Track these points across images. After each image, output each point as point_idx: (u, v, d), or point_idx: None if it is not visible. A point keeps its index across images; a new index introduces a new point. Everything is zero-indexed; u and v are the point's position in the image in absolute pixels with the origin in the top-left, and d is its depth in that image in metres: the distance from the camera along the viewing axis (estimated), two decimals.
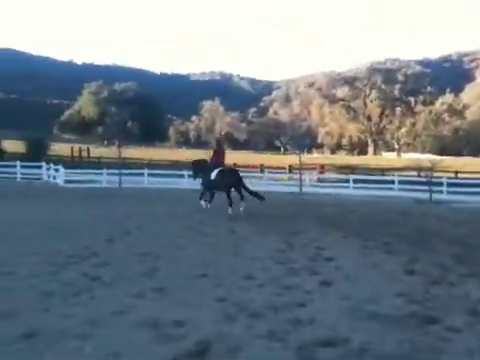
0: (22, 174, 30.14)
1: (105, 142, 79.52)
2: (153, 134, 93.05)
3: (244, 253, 8.21)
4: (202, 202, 14.60)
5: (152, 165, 42.55)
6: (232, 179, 14.08)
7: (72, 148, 51.83)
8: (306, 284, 6.18)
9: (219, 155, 14.74)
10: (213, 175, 14.00)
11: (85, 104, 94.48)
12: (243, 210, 13.49)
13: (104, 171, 28.15)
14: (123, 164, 28.60)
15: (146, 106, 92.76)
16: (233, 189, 14.06)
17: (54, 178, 28.34)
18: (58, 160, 35.33)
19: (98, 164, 39.60)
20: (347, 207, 17.35)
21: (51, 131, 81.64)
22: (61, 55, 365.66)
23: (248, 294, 5.67)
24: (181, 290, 5.83)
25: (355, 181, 26.09)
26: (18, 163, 30.59)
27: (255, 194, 14.21)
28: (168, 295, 5.61)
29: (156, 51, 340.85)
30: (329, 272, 6.92)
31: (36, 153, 40.11)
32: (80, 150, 53.11)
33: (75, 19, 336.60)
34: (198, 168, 15.18)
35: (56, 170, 28.39)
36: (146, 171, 28.43)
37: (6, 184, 26.64)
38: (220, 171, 14.04)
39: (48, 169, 29.50)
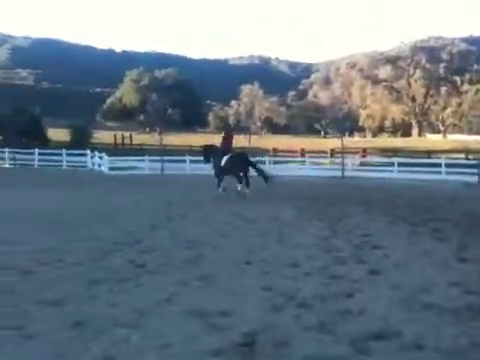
0: (68, 162, 30.90)
1: (147, 129, 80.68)
2: (193, 120, 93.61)
3: (288, 240, 8.07)
4: (220, 190, 14.87)
5: (193, 151, 42.88)
6: (241, 164, 14.72)
7: (115, 135, 52.85)
8: (354, 273, 5.99)
9: (228, 141, 15.29)
10: (223, 161, 14.63)
11: (126, 92, 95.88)
12: (248, 193, 14.24)
13: (146, 158, 28.51)
14: (164, 151, 28.86)
15: (186, 92, 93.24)
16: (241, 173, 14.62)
17: (99, 166, 28.93)
18: (101, 148, 36.05)
19: (140, 151, 40.21)
20: (392, 191, 16.89)
21: (94, 119, 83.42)
22: (101, 43, 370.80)
23: (295, 283, 5.54)
24: (226, 278, 5.76)
25: (400, 164, 25.36)
26: (64, 151, 31.37)
27: (263, 175, 14.87)
28: (213, 283, 5.56)
29: (195, 36, 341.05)
30: (377, 260, 6.70)
31: (80, 141, 41.10)
32: (123, 137, 54.09)
33: (114, 7, 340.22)
34: (208, 153, 15.58)
35: (100, 158, 28.95)
36: (188, 157, 28.61)
37: (52, 172, 27.41)
38: (230, 157, 14.65)
39: (92, 157, 30.12)
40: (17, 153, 31.75)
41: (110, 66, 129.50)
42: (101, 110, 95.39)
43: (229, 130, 16.49)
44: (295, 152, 38.39)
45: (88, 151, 31.00)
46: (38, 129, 42.05)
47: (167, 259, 6.69)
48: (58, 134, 46.52)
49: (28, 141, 38.70)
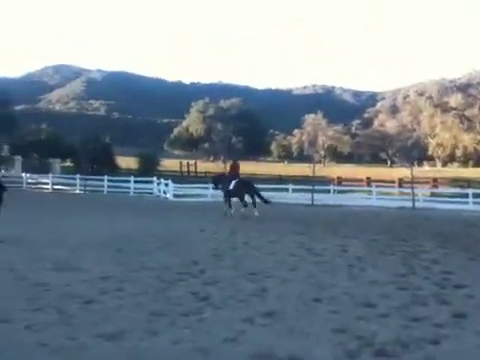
0: (135, 189, 31.64)
1: (211, 157, 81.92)
2: (256, 149, 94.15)
3: (360, 276, 7.52)
4: (228, 211, 16.89)
5: (256, 179, 42.76)
6: (247, 188, 17.04)
7: (180, 163, 53.93)
8: (436, 315, 5.39)
9: (235, 169, 17.72)
10: (231, 185, 16.85)
11: (193, 122, 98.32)
12: (257, 215, 16.09)
13: (210, 185, 28.66)
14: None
15: (250, 122, 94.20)
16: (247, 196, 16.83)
17: (164, 192, 29.37)
18: (168, 175, 36.74)
19: (204, 178, 40.63)
20: (468, 224, 15.76)
21: (162, 148, 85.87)
22: (170, 76, 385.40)
23: (369, 325, 5.03)
24: (294, 316, 5.35)
25: (475, 195, 23.86)
26: (132, 178, 32.21)
27: (264, 200, 17.15)
28: (280, 321, 5.16)
29: (260, 67, 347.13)
30: (461, 301, 6.04)
31: (148, 168, 42.21)
32: (188, 165, 55.07)
33: (184, 40, 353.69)
34: (218, 181, 18.27)
35: (166, 185, 29.41)
36: None
37: (120, 198, 28.12)
38: (237, 182, 16.94)
39: (158, 184, 30.66)
40: (88, 179, 32.96)
41: (178, 97, 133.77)
42: (168, 139, 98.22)
43: (236, 161, 18.76)
44: (361, 181, 37.32)
45: (154, 178, 31.63)
46: (108, 157, 43.68)
47: (231, 292, 6.38)
48: (127, 162, 48.09)
49: (98, 168, 40.20)
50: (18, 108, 59.01)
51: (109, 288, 6.42)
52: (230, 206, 17.05)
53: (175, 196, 27.71)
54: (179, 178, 40.20)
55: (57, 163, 39.61)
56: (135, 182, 32.05)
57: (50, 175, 35.00)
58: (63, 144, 43.81)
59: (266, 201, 17.15)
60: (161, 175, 34.98)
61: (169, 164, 52.09)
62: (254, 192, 17.04)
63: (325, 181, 34.24)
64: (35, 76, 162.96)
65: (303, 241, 11.12)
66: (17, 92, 72.71)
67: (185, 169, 53.87)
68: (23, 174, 34.38)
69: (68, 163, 45.36)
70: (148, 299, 5.96)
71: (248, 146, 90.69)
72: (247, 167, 56.49)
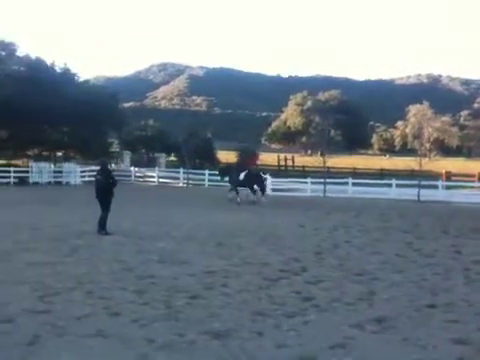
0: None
1: (309, 151, 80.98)
2: (356, 142, 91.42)
3: (478, 280, 6.89)
4: (230, 195, 19.22)
5: (356, 173, 41.52)
6: (256, 179, 19.47)
7: (278, 157, 53.86)
8: None
9: (253, 160, 20.01)
10: (241, 176, 19.07)
11: (290, 115, 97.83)
12: (265, 201, 18.63)
13: (308, 180, 28.22)
14: (327, 173, 28.27)
15: (349, 114, 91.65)
16: (256, 186, 19.13)
17: None
18: (265, 169, 36.83)
19: (302, 173, 40.19)
20: None
21: (259, 142, 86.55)
22: (269, 70, 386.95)
23: None
24: (407, 324, 4.98)
25: None
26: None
27: (263, 190, 19.46)
28: (392, 329, 4.82)
29: (359, 58, 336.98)
30: None
31: (246, 162, 42.65)
32: (285, 159, 54.87)
33: (284, 35, 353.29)
34: (225, 172, 20.93)
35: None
36: (350, 180, 27.61)
37: (220, 192, 28.65)
38: (247, 173, 19.31)
39: None
40: (190, 173, 34.01)
41: (277, 91, 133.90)
42: (266, 133, 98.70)
43: (256, 152, 22.04)
44: (472, 177, 34.70)
45: None
46: (209, 151, 44.70)
47: (336, 294, 6.12)
48: (227, 156, 49.02)
49: (200, 162, 41.34)
50: (127, 105, 62.55)
51: (214, 283, 6.46)
52: (237, 193, 19.28)
53: (273, 190, 27.68)
54: (277, 172, 40.13)
55: (162, 157, 41.24)
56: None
57: (156, 169, 36.64)
58: (168, 139, 45.57)
59: (263, 192, 19.73)
60: (259, 169, 35.14)
61: (266, 158, 52.22)
62: (262, 182, 19.66)
63: (432, 176, 32.25)
64: (142, 74, 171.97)
65: (410, 240, 10.49)
66: (126, 90, 77.14)
67: (282, 163, 53.73)
68: (131, 168, 36.30)
69: (172, 157, 47.09)
70: (252, 297, 5.89)
71: (347, 139, 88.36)
72: (346, 161, 55.07)
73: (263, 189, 19.71)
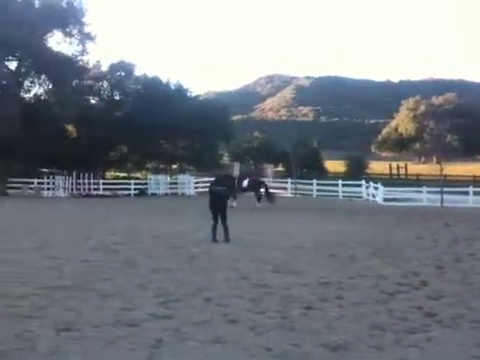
0: (343, 192, 31.52)
1: (422, 158, 76.95)
2: (475, 148, 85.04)
3: None
4: (234, 203, 20.63)
5: (477, 182, 38.64)
6: (258, 185, 22.60)
7: (390, 165, 51.96)
8: None
9: (260, 172, 23.55)
10: (245, 183, 22.30)
11: (402, 121, 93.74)
12: (260, 206, 21.38)
13: (424, 189, 26.83)
14: (444, 181, 26.67)
15: (467, 117, 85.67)
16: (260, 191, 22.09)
17: (373, 196, 28.55)
18: (376, 178, 35.67)
19: (416, 181, 38.33)
20: None
21: (369, 150, 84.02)
22: (378, 75, 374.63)
23: None
24: None
25: None
26: (340, 182, 32.17)
27: (270, 197, 22.40)
28: None
29: (474, 58, 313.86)
30: None
31: (355, 172, 41.64)
32: (398, 167, 52.77)
33: (390, 40, 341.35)
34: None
35: (375, 188, 28.55)
36: (471, 189, 25.77)
37: (329, 202, 28.26)
38: (251, 180, 22.71)
39: (367, 187, 29.95)
40: (298, 183, 34.00)
41: (386, 97, 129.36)
42: (376, 141, 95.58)
43: (263, 166, 26.91)
44: None
45: (363, 181, 31.00)
46: (316, 161, 44.40)
47: (460, 310, 5.72)
48: (335, 165, 48.29)
49: (307, 172, 41.18)
50: (235, 118, 64.30)
51: (328, 295, 6.37)
52: (235, 198, 21.05)
53: (385, 200, 26.69)
54: (388, 181, 38.67)
55: (270, 168, 41.81)
56: (343, 186, 31.91)
57: (264, 179, 37.20)
58: (275, 150, 46.12)
59: (271, 199, 22.26)
60: (369, 178, 34.14)
61: (377, 167, 50.54)
62: (266, 189, 22.79)
63: None
64: (250, 87, 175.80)
65: None
66: (234, 103, 79.33)
67: (395, 172, 51.66)
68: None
69: (280, 168, 47.52)
70: (369, 310, 5.71)
71: (466, 144, 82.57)
72: (464, 168, 51.49)
73: (268, 194, 22.56)
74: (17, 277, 7.18)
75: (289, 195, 34.03)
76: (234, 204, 20.87)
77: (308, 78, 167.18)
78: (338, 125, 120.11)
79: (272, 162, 44.30)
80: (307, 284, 7.00)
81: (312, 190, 33.10)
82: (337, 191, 31.66)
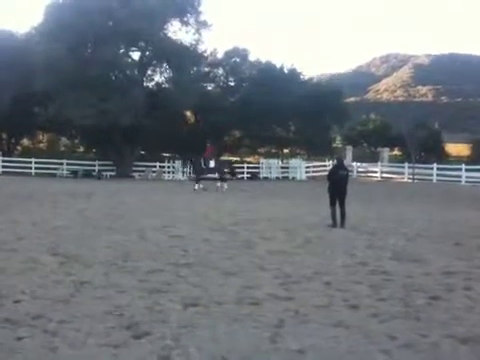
0: (467, 178, 29.55)
1: None
2: None
3: None
4: (197, 187, 20.59)
5: None
6: (225, 166, 23.14)
7: None
8: None
9: (210, 151, 22.78)
10: (212, 163, 21.37)
11: None
12: (226, 188, 20.71)
13: None
14: None
15: None
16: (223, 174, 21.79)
17: None
18: None
19: None
20: None
21: None
22: None
23: None
24: None
25: None
26: (463, 167, 30.14)
27: (232, 176, 23.15)
28: None
29: None
30: None
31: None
32: None
33: None
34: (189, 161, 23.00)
35: None
36: None
37: (450, 188, 26.58)
38: (218, 161, 22.27)
39: None
40: (416, 168, 32.38)
41: None
42: None
43: (212, 143, 26.03)
44: None
45: None
46: (437, 144, 41.84)
47: None
48: (457, 148, 45.18)
49: (427, 156, 39.03)
50: (349, 100, 62.51)
51: (455, 285, 6.05)
52: (199, 183, 20.94)
53: None
54: None
55: (385, 152, 40.22)
56: (467, 171, 29.85)
57: (379, 164, 35.94)
58: (391, 133, 44.21)
59: (234, 175, 23.67)
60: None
61: None
62: (233, 169, 24.13)
63: None
64: (364, 68, 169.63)
65: None
66: (348, 85, 77.02)
67: None
68: (353, 163, 36.31)
69: (396, 152, 45.54)
70: None
71: None
72: None
73: (233, 174, 23.54)
74: (147, 253, 7.76)
75: (406, 180, 32.60)
76: (195, 187, 20.85)
77: (428, 56, 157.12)
78: (461, 105, 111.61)
79: (388, 145, 42.55)
80: (430, 273, 6.70)
81: (432, 175, 31.40)
82: (460, 176, 29.73)
